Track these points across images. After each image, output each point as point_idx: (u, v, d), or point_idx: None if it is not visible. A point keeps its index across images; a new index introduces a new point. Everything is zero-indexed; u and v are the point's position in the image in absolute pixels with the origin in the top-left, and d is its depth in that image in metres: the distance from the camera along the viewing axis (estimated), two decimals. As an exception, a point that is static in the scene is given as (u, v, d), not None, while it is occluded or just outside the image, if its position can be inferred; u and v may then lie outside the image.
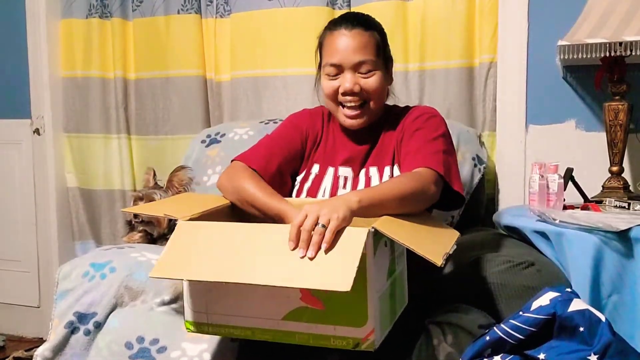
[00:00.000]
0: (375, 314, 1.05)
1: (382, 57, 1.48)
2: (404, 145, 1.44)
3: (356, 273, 1.03)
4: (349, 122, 1.49)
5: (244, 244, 1.09)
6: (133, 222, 1.85)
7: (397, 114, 1.53)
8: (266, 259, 1.05)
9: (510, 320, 1.07)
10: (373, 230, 1.03)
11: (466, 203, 1.91)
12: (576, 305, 1.04)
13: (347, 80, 1.43)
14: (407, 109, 1.54)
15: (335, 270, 0.97)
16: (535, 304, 1.07)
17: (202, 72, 2.46)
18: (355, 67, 1.44)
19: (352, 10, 2.21)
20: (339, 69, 1.45)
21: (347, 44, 1.44)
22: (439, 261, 1.03)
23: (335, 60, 1.45)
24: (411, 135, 1.43)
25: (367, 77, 1.44)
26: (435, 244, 1.12)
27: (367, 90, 1.45)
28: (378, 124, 1.52)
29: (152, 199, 1.85)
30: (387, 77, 1.52)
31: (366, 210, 1.15)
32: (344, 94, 1.45)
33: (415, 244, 1.05)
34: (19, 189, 2.76)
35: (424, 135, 1.41)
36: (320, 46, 1.53)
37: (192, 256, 1.09)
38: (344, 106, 1.47)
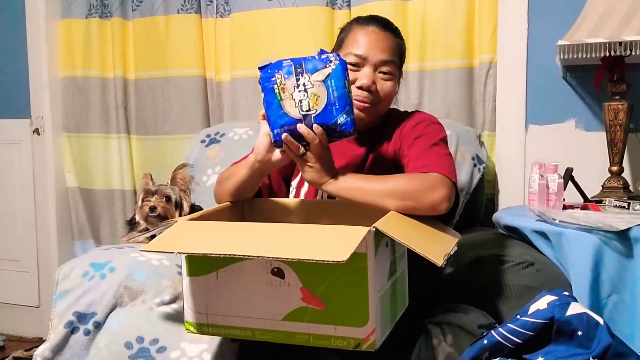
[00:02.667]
0: (376, 314, 1.05)
1: (399, 67, 1.45)
2: (404, 154, 1.39)
3: (357, 273, 1.03)
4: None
5: (240, 231, 1.11)
6: (148, 217, 1.86)
7: (396, 118, 1.47)
8: (261, 240, 1.06)
9: (508, 324, 1.07)
10: (374, 229, 1.03)
11: (466, 203, 1.92)
12: (574, 309, 1.03)
13: (365, 76, 1.38)
14: (405, 114, 1.48)
15: (333, 248, 0.97)
16: (533, 308, 1.06)
17: (202, 72, 2.46)
18: (378, 65, 1.39)
19: (351, 10, 2.22)
20: (362, 62, 1.39)
21: (377, 41, 1.40)
22: (439, 261, 1.03)
23: (361, 51, 1.39)
24: (411, 144, 1.38)
25: (385, 80, 1.39)
26: (436, 244, 1.12)
27: (381, 92, 1.40)
28: (377, 127, 1.48)
29: (165, 194, 1.87)
30: (398, 86, 1.47)
31: (341, 195, 1.23)
32: (360, 87, 1.38)
33: (416, 244, 1.04)
34: (18, 188, 2.76)
35: (425, 141, 1.36)
36: (342, 35, 1.47)
37: (186, 239, 1.10)
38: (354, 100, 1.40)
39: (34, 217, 2.72)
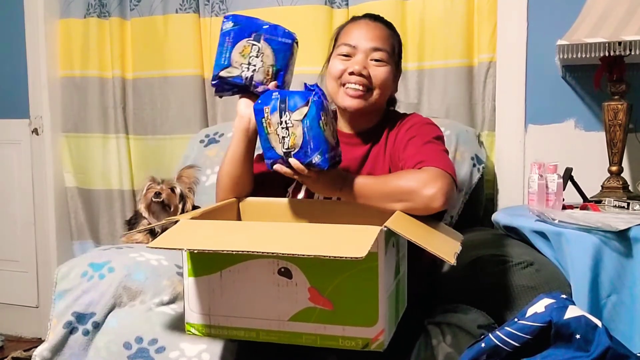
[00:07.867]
0: (385, 314, 1.05)
1: (395, 59, 1.45)
2: (399, 157, 1.38)
3: (368, 272, 1.03)
4: (348, 102, 1.40)
5: (247, 229, 1.11)
6: (152, 202, 1.89)
7: (394, 120, 1.47)
8: (269, 238, 1.05)
9: (506, 327, 1.06)
10: (386, 229, 1.03)
11: (465, 203, 1.92)
12: (572, 312, 1.03)
13: (357, 62, 1.39)
14: (403, 116, 1.48)
15: (347, 245, 0.96)
16: (531, 311, 1.06)
17: (200, 71, 2.46)
18: (369, 53, 1.40)
19: (350, 9, 2.22)
20: (353, 50, 1.40)
21: (367, 30, 1.42)
22: (452, 260, 1.03)
23: (351, 41, 1.41)
24: (405, 146, 1.37)
25: (377, 66, 1.40)
26: (444, 243, 1.12)
27: (374, 78, 1.40)
28: (376, 128, 1.46)
29: (172, 186, 1.90)
30: (395, 81, 1.47)
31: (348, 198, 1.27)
32: (352, 73, 1.39)
33: (428, 244, 1.04)
34: (17, 188, 2.75)
35: (419, 140, 1.35)
36: (336, 35, 1.49)
37: (192, 236, 1.09)
38: (347, 87, 1.41)
39: (32, 217, 2.71)
